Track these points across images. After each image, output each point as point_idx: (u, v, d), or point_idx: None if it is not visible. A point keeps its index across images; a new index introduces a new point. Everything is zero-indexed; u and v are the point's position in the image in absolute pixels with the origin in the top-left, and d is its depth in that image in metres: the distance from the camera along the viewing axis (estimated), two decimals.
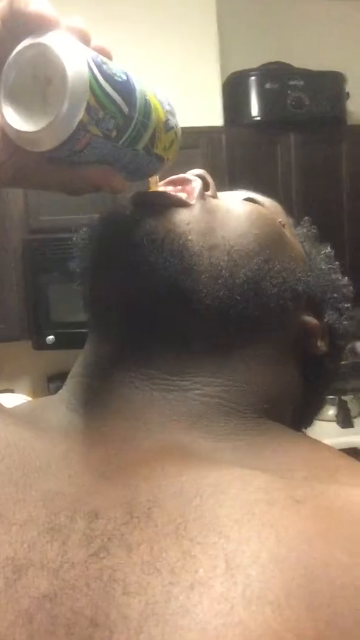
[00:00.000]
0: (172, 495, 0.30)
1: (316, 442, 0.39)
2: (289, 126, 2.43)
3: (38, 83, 0.33)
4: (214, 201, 0.43)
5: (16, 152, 0.35)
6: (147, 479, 0.32)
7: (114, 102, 0.35)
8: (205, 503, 0.29)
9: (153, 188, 0.44)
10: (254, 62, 2.49)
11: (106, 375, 0.39)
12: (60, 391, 0.43)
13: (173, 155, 0.41)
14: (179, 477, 0.32)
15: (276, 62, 2.48)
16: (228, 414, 0.38)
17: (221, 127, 2.39)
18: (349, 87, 2.56)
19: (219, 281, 0.38)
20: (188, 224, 0.40)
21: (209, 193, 0.43)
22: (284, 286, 0.41)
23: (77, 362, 0.43)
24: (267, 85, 2.39)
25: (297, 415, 0.44)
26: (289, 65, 2.51)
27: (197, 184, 0.42)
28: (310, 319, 0.44)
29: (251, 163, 2.37)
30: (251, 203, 0.44)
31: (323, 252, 0.48)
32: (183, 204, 0.41)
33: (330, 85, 2.50)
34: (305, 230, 0.50)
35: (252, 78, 2.40)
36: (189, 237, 0.39)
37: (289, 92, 2.41)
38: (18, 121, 0.34)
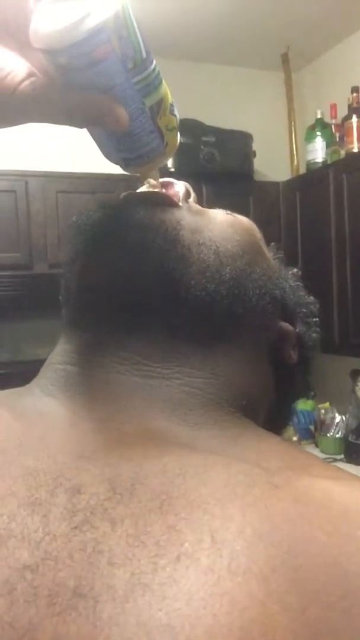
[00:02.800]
0: (155, 474, 0.31)
1: (287, 442, 0.40)
2: (202, 178, 2.58)
3: None
4: (198, 207, 0.45)
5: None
6: (129, 459, 0.32)
7: (136, 35, 0.35)
8: (189, 482, 0.30)
9: (145, 183, 0.44)
10: None
11: (86, 361, 0.40)
12: (34, 379, 0.42)
13: (172, 143, 0.41)
14: (160, 457, 0.32)
15: (189, 119, 2.62)
16: (206, 404, 0.38)
17: (138, 176, 2.47)
18: (255, 147, 2.76)
19: (207, 274, 0.40)
20: (178, 221, 0.41)
21: (191, 200, 0.45)
22: (264, 289, 0.42)
23: (53, 352, 0.43)
24: (182, 140, 2.52)
25: (267, 422, 0.44)
26: (200, 122, 2.68)
27: (180, 188, 0.44)
28: (286, 325, 0.46)
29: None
30: (232, 214, 0.46)
31: (290, 271, 0.50)
32: (172, 204, 0.42)
33: (238, 143, 2.70)
34: (272, 253, 0.51)
35: (176, 115, 2.50)
36: (180, 232, 0.40)
37: (201, 147, 2.57)
38: (48, 20, 0.33)
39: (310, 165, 2.75)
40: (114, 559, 0.27)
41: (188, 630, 0.24)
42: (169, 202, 0.42)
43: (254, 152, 2.75)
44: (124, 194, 0.44)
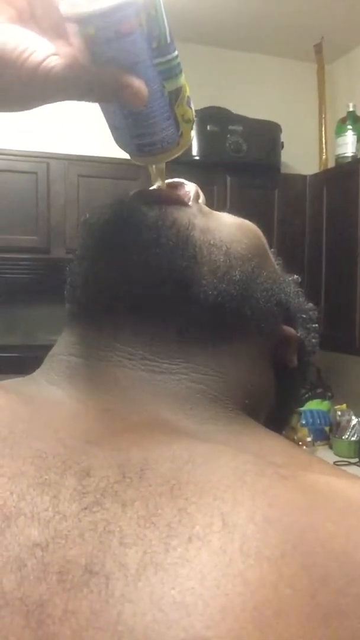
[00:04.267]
0: (164, 460, 0.31)
1: (288, 441, 0.40)
2: (227, 169, 2.56)
3: None
4: (207, 208, 0.46)
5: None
6: (138, 445, 0.33)
7: (163, 18, 0.37)
8: (198, 469, 0.31)
9: (155, 181, 0.45)
10: (194, 105, 2.61)
11: (91, 354, 0.40)
12: (38, 370, 0.43)
13: (186, 135, 0.42)
14: (169, 445, 0.33)
15: (215, 107, 2.60)
16: (211, 401, 0.39)
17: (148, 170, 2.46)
18: (283, 138, 2.73)
19: (218, 274, 0.41)
20: (190, 221, 0.42)
21: (200, 201, 0.46)
22: (270, 292, 0.44)
23: (57, 343, 0.44)
24: (209, 127, 2.51)
25: (267, 425, 0.45)
26: (228, 110, 2.65)
27: (190, 189, 0.45)
28: (289, 329, 0.47)
29: None
30: (240, 218, 0.47)
31: (291, 278, 0.51)
32: (184, 204, 0.43)
33: (267, 133, 2.66)
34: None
35: (195, 119, 2.50)
36: (192, 232, 0.41)
37: (228, 135, 2.54)
38: None
39: (339, 159, 2.71)
40: (125, 538, 0.27)
41: (201, 609, 0.25)
42: (180, 202, 0.43)
43: (282, 144, 2.73)
44: (135, 191, 0.44)
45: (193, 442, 0.34)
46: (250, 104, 2.75)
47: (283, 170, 2.81)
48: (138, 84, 0.36)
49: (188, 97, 0.41)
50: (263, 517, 0.28)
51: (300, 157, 2.93)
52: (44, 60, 0.35)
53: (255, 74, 2.95)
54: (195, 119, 0.43)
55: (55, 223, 2.39)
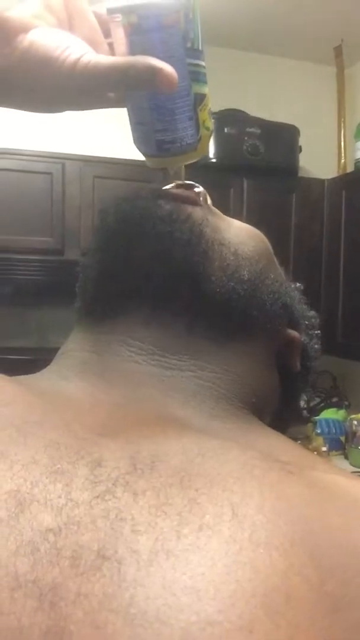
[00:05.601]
0: (175, 453, 0.32)
1: (293, 441, 0.42)
2: (244, 171, 2.55)
3: None
4: (215, 209, 0.47)
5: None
6: (149, 438, 0.34)
7: (198, 25, 0.40)
8: (207, 462, 0.32)
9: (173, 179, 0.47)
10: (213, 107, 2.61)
11: (102, 350, 0.41)
12: (49, 366, 0.44)
13: (204, 141, 0.44)
14: (179, 439, 0.34)
15: (232, 109, 2.60)
16: (219, 398, 0.40)
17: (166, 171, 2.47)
18: (301, 141, 2.73)
19: (227, 272, 0.42)
20: (203, 218, 0.44)
21: (209, 203, 0.47)
22: (276, 294, 0.45)
23: (68, 340, 0.45)
24: (226, 130, 2.51)
25: (271, 426, 0.46)
26: (245, 112, 2.65)
27: (200, 190, 0.47)
28: (294, 333, 0.48)
29: None
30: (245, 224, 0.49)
31: (294, 285, 0.52)
32: (196, 203, 0.45)
33: (285, 136, 2.64)
34: None
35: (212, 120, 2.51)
36: (205, 229, 0.43)
37: (245, 138, 2.54)
38: None
39: (358, 163, 2.70)
40: (137, 526, 0.28)
41: (212, 593, 0.25)
42: (193, 201, 0.45)
43: (300, 147, 2.72)
44: (150, 186, 0.46)
45: (202, 437, 0.35)
46: (268, 106, 2.75)
47: (301, 174, 2.79)
48: (170, 68, 0.38)
49: (210, 108, 0.44)
50: (272, 508, 0.29)
51: (319, 161, 2.91)
52: (81, 56, 0.38)
53: (273, 76, 2.95)
54: (214, 127, 0.45)
55: (70, 225, 2.40)
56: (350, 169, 2.83)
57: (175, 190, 0.45)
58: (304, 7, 2.51)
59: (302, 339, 0.49)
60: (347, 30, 2.71)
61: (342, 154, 2.93)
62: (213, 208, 0.47)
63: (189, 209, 0.43)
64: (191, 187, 0.47)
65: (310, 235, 2.74)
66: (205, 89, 0.43)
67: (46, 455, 0.31)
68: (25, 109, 0.42)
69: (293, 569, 0.26)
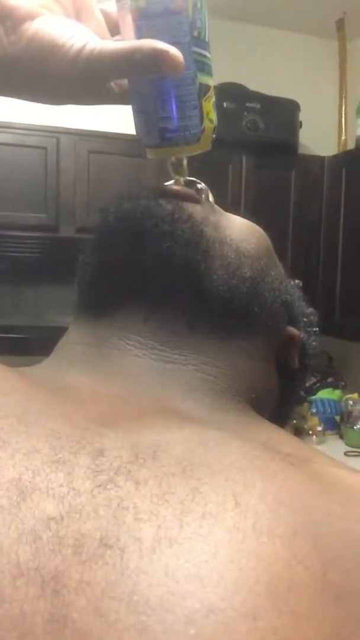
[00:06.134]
0: (176, 443, 0.32)
1: (293, 435, 0.42)
2: (242, 148, 2.52)
3: None
4: (216, 206, 0.48)
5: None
6: (150, 428, 0.34)
7: (205, 16, 0.41)
8: (209, 452, 0.32)
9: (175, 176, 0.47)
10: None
11: (103, 343, 0.42)
12: (48, 358, 0.44)
13: (207, 133, 0.44)
14: (181, 430, 0.34)
15: (231, 83, 2.55)
16: (220, 392, 0.41)
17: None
18: (301, 117, 2.69)
19: (229, 270, 0.43)
20: (204, 217, 0.44)
21: (211, 200, 0.48)
22: (277, 292, 0.46)
23: (67, 333, 0.45)
24: (225, 105, 2.47)
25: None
26: (244, 87, 2.61)
27: (202, 187, 0.47)
28: (294, 330, 0.48)
29: (202, 179, 2.44)
30: (247, 220, 0.49)
31: (293, 282, 0.53)
32: (196, 201, 0.45)
33: (285, 112, 2.61)
34: None
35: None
36: (206, 228, 0.43)
37: (245, 113, 2.50)
38: None
39: (359, 140, 2.68)
40: (139, 514, 0.28)
41: (216, 581, 0.25)
42: (195, 199, 0.45)
43: (300, 123, 2.69)
44: (152, 185, 0.46)
45: (203, 428, 0.35)
46: (268, 80, 2.70)
47: (300, 150, 2.76)
48: (176, 51, 0.38)
49: (214, 102, 0.44)
50: (274, 498, 0.29)
51: (319, 137, 2.88)
52: (86, 43, 0.38)
53: (273, 49, 2.90)
54: (217, 123, 0.44)
55: (65, 201, 2.37)
56: (350, 146, 2.80)
57: (176, 188, 0.46)
58: None
59: (301, 336, 0.50)
60: (349, 3, 2.66)
61: (343, 131, 2.90)
62: (215, 205, 0.47)
63: (190, 208, 0.44)
64: (193, 184, 0.47)
65: (309, 213, 2.72)
66: (210, 81, 0.43)
67: (47, 445, 0.31)
68: (27, 99, 0.42)
69: (296, 557, 0.27)
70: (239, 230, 0.46)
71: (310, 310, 0.53)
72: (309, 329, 0.52)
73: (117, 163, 2.38)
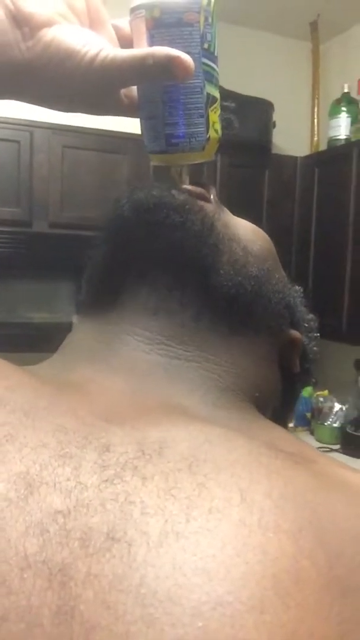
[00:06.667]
0: (182, 439, 0.33)
1: (294, 435, 0.43)
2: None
3: None
4: (225, 208, 0.48)
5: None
6: (156, 425, 0.34)
7: (215, 33, 0.43)
8: (215, 448, 0.32)
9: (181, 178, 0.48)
10: None
11: (109, 339, 0.42)
12: (54, 355, 0.45)
13: (212, 143, 0.44)
14: (186, 426, 0.34)
15: None
16: (224, 390, 0.41)
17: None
18: (275, 117, 2.71)
19: (236, 267, 0.43)
20: (214, 212, 0.45)
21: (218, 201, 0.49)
22: (281, 294, 0.46)
23: (73, 329, 0.46)
24: None
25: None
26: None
27: (209, 187, 0.47)
28: (296, 333, 0.49)
29: None
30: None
31: (295, 287, 0.53)
32: (206, 199, 0.46)
33: (259, 111, 2.63)
34: None
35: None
36: (216, 223, 0.44)
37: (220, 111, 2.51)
38: None
39: (331, 141, 2.69)
40: (146, 509, 0.28)
41: (223, 574, 0.26)
42: (205, 198, 0.46)
43: (274, 123, 2.70)
44: (162, 184, 0.47)
45: (208, 425, 0.35)
46: (242, 80, 2.71)
47: (274, 150, 2.78)
48: (187, 57, 0.40)
49: (221, 113, 0.45)
50: (279, 494, 0.29)
51: (292, 137, 2.90)
52: (100, 50, 0.39)
53: (248, 49, 2.91)
54: (221, 134, 0.46)
55: (38, 195, 2.34)
56: (323, 147, 2.83)
57: (187, 186, 0.46)
58: None
59: (303, 340, 0.50)
60: (323, 5, 2.68)
61: (315, 132, 2.93)
62: (223, 206, 0.48)
63: (201, 202, 0.45)
64: (202, 185, 0.48)
65: (282, 213, 2.75)
66: (217, 94, 0.44)
67: (54, 439, 0.31)
68: (40, 104, 0.43)
69: (302, 552, 0.27)
70: (245, 231, 0.47)
71: (311, 316, 0.54)
72: (309, 334, 0.53)
73: (92, 158, 2.36)
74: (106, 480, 0.29)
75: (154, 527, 0.27)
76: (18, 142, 2.31)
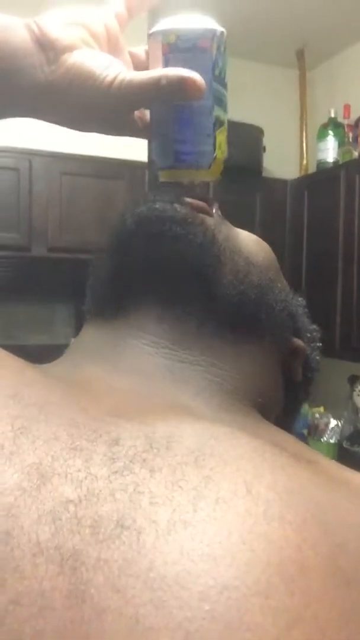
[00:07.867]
0: (189, 435, 0.33)
1: (296, 438, 0.44)
2: None
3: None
4: (227, 221, 0.49)
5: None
6: (163, 421, 0.35)
7: (226, 62, 0.45)
8: (220, 444, 0.33)
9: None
10: None
11: (115, 342, 0.43)
12: (62, 357, 0.46)
13: (218, 163, 0.46)
14: (193, 424, 0.35)
15: None
16: (228, 393, 0.42)
17: (144, 162, 2.49)
18: (265, 142, 2.76)
19: (238, 276, 0.44)
20: (216, 225, 0.46)
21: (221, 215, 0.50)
22: (284, 303, 0.47)
23: (80, 334, 0.47)
24: None
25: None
26: None
27: (212, 202, 0.49)
28: (299, 342, 0.49)
29: None
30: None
31: (297, 298, 0.54)
32: (208, 212, 0.47)
33: (249, 136, 2.69)
34: None
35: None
36: (217, 234, 0.45)
37: None
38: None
39: (320, 164, 2.75)
40: (154, 499, 0.29)
41: (229, 560, 0.26)
42: (207, 212, 0.47)
43: (264, 148, 2.75)
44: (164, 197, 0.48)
45: (213, 424, 0.36)
46: (233, 107, 2.74)
47: (264, 174, 2.83)
48: (199, 77, 0.41)
49: (227, 136, 0.47)
50: (284, 487, 0.30)
51: (282, 161, 2.96)
52: (118, 74, 0.41)
53: (238, 78, 2.94)
54: (227, 156, 0.47)
55: (37, 221, 2.38)
56: (312, 169, 2.88)
57: (189, 200, 0.47)
58: (267, 10, 2.54)
59: (306, 349, 0.51)
60: (309, 34, 2.76)
61: (304, 155, 2.98)
62: (225, 220, 0.49)
63: (202, 216, 0.46)
64: (204, 198, 0.49)
65: (274, 235, 2.78)
66: (225, 118, 0.46)
67: (66, 433, 0.32)
68: (59, 124, 0.45)
69: (307, 543, 0.27)
70: (247, 242, 0.48)
71: (313, 327, 0.54)
72: (312, 344, 0.53)
73: (90, 185, 2.40)
74: (116, 472, 0.30)
75: (162, 515, 0.28)
76: (17, 169, 2.35)
